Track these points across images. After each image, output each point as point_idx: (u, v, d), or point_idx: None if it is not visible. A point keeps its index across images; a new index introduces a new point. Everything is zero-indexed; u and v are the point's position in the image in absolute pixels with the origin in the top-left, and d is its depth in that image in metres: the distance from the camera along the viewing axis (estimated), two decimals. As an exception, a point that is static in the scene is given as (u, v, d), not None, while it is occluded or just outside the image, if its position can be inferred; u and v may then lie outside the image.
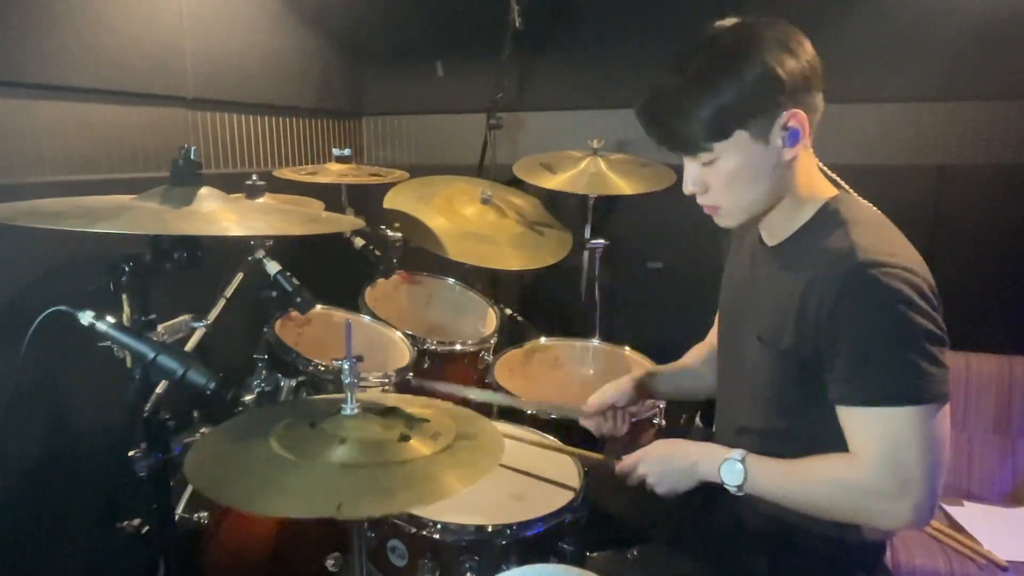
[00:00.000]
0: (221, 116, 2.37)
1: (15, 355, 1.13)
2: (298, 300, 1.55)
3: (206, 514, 1.64)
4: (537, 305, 2.97)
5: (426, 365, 2.09)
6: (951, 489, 2.17)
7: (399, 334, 2.11)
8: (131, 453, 1.21)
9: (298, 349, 1.85)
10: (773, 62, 1.10)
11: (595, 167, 2.52)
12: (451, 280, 2.51)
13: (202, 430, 1.36)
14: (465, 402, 1.61)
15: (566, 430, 1.77)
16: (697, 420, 2.34)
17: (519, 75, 2.95)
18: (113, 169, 1.93)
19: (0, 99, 1.63)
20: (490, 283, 2.70)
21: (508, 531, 1.35)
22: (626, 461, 1.38)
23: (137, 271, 1.20)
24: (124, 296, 1.19)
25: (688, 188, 1.24)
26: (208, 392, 1.09)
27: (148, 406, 1.22)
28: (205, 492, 1.08)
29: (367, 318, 2.16)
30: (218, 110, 2.35)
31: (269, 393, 1.78)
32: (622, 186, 2.45)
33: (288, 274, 1.57)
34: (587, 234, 2.63)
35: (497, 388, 1.98)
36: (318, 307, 2.04)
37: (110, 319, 1.11)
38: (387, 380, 1.87)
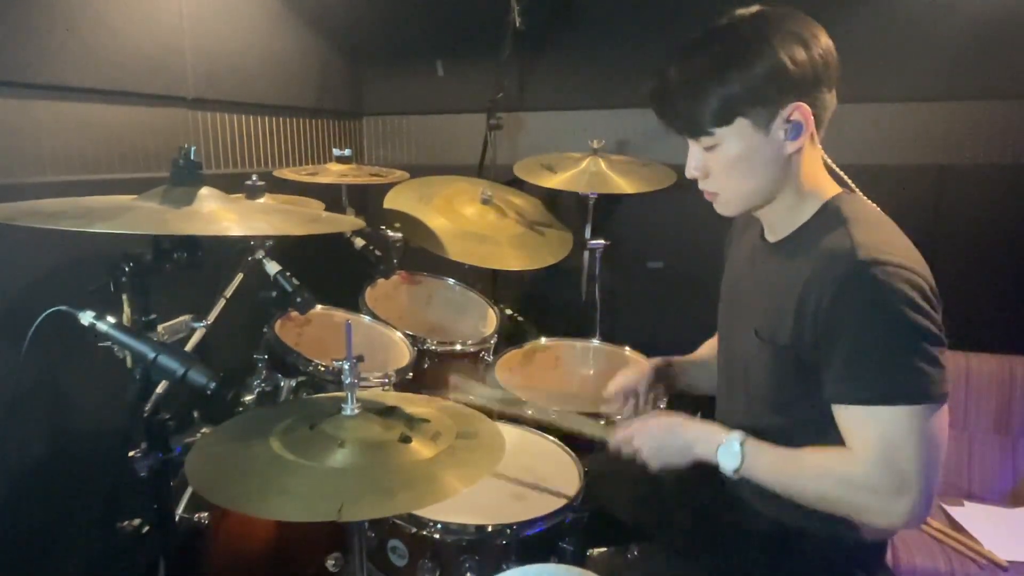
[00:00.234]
0: (221, 116, 2.37)
1: (15, 355, 1.13)
2: (298, 300, 1.55)
3: (206, 514, 1.63)
4: (537, 305, 2.97)
5: (426, 365, 2.09)
6: (951, 489, 2.17)
7: (399, 334, 2.11)
8: (131, 453, 1.21)
9: (298, 349, 1.85)
10: (784, 55, 1.10)
11: (595, 167, 2.52)
12: (451, 280, 2.51)
13: (202, 430, 1.36)
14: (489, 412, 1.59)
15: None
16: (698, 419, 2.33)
17: (519, 75, 2.95)
18: (113, 169, 1.93)
19: (0, 99, 1.63)
20: (490, 283, 2.70)
21: (508, 531, 1.35)
22: (621, 433, 1.35)
23: (137, 271, 1.20)
24: (124, 296, 1.20)
25: (690, 172, 1.25)
26: (208, 392, 1.09)
27: (148, 406, 1.22)
28: (205, 494, 1.08)
29: (367, 318, 2.16)
30: (218, 110, 2.35)
31: (269, 393, 1.79)
32: (622, 186, 2.45)
33: (288, 274, 1.57)
34: (587, 234, 2.63)
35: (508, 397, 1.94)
36: (318, 307, 2.04)
37: (110, 319, 1.11)
38: (387, 380, 1.87)
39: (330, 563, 1.51)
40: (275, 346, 1.85)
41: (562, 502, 1.43)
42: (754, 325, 1.27)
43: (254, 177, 1.85)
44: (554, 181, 2.49)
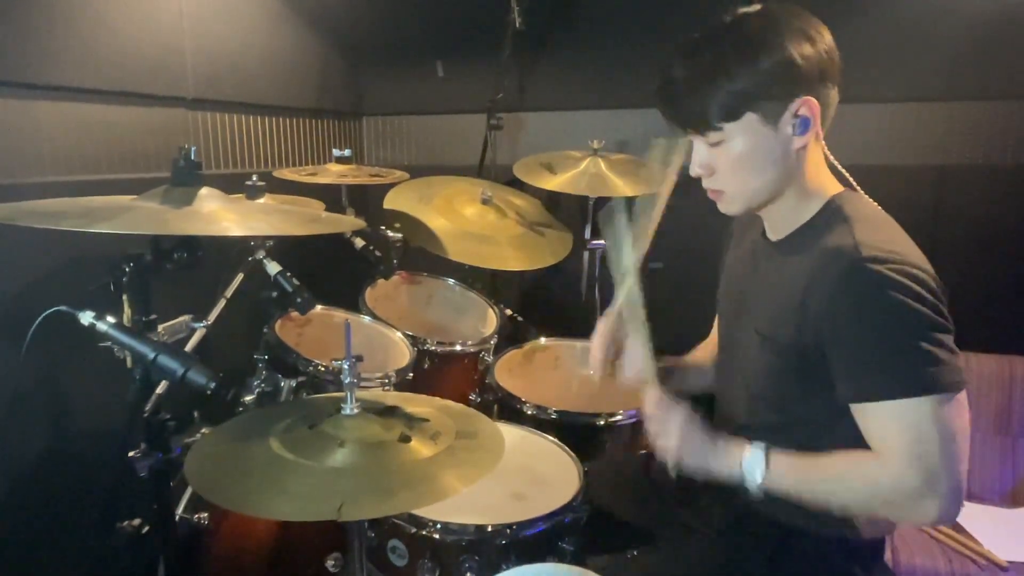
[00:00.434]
0: (221, 116, 2.37)
1: (15, 355, 1.13)
2: (298, 300, 1.55)
3: (206, 514, 1.63)
4: (537, 305, 2.97)
5: (426, 366, 2.09)
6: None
7: (399, 334, 2.11)
8: (131, 453, 1.21)
9: (298, 349, 1.85)
10: (792, 49, 1.11)
11: (595, 167, 2.52)
12: (451, 280, 2.51)
13: (202, 430, 1.36)
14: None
15: (565, 432, 1.77)
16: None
17: (519, 75, 2.95)
18: (113, 169, 1.93)
19: (0, 99, 1.63)
20: (490, 283, 2.70)
21: (508, 531, 1.35)
22: (661, 405, 1.28)
23: (137, 271, 1.20)
24: (125, 296, 1.20)
25: (695, 170, 1.23)
26: (208, 392, 1.09)
27: (148, 406, 1.22)
28: (205, 494, 1.08)
29: (367, 318, 2.16)
30: (218, 110, 2.35)
31: (269, 393, 1.78)
32: (622, 186, 2.45)
33: (288, 274, 1.57)
34: (587, 234, 2.63)
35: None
36: (318, 307, 2.04)
37: (110, 319, 1.11)
38: (387, 380, 1.87)
39: (330, 563, 1.51)
40: (275, 346, 1.85)
41: (562, 502, 1.43)
42: (755, 324, 1.27)
43: (254, 177, 1.85)
44: (554, 182, 2.49)
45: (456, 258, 2.20)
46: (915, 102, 2.52)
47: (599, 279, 2.67)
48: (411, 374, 1.96)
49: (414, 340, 2.09)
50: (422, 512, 1.37)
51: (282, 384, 1.79)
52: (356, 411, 1.23)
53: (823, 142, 1.22)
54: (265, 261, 1.62)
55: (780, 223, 1.27)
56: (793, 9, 1.15)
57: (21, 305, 1.61)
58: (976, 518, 1.98)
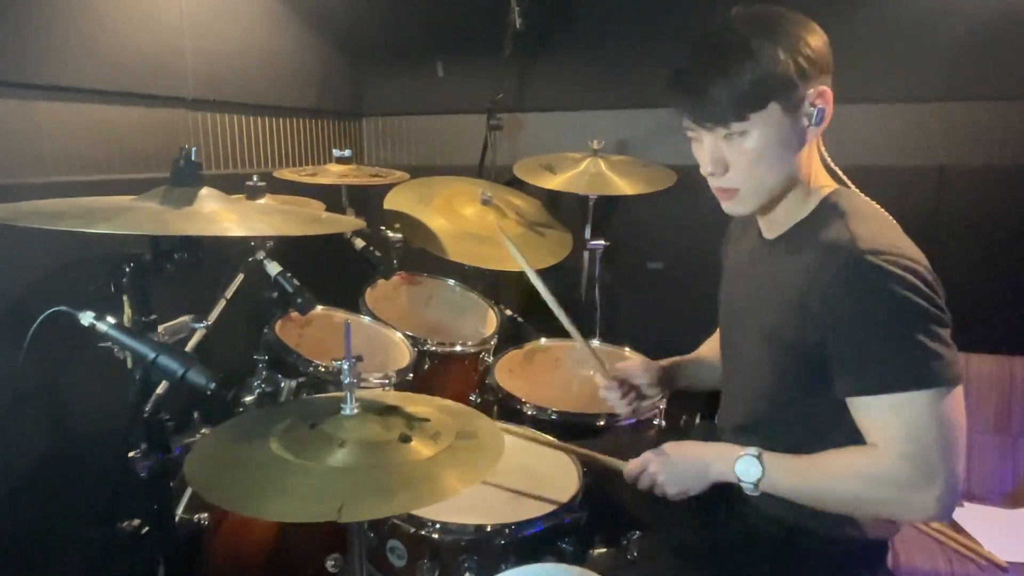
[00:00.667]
0: (221, 116, 2.37)
1: (16, 355, 1.13)
2: (299, 301, 1.55)
3: (206, 515, 1.63)
4: (537, 306, 2.96)
5: (426, 366, 2.09)
6: (951, 489, 2.16)
7: (399, 335, 2.11)
8: (131, 454, 1.21)
9: (299, 350, 1.85)
10: (807, 37, 1.12)
11: (595, 168, 2.52)
12: (451, 281, 2.51)
13: (202, 431, 1.36)
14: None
15: (565, 433, 1.77)
16: (697, 419, 2.34)
17: (519, 75, 2.95)
18: (113, 169, 1.93)
19: (0, 99, 1.63)
20: (490, 284, 2.70)
21: (507, 531, 1.35)
22: (635, 463, 1.36)
23: (138, 272, 1.20)
24: (125, 297, 1.19)
25: (707, 168, 1.21)
26: (208, 393, 1.09)
27: (148, 407, 1.22)
28: (205, 495, 1.08)
29: (367, 319, 2.16)
30: (218, 110, 2.35)
31: (269, 394, 1.78)
32: (622, 186, 2.45)
33: (289, 275, 1.57)
34: (587, 234, 2.63)
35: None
36: (319, 308, 2.04)
37: (110, 319, 1.11)
38: (387, 381, 1.86)
39: (329, 563, 1.51)
40: (275, 347, 1.84)
41: (562, 502, 1.43)
42: (756, 323, 1.27)
43: (255, 178, 1.85)
44: (554, 182, 2.49)
45: (456, 258, 2.20)
46: (915, 102, 2.52)
47: (599, 279, 2.67)
48: (411, 375, 1.96)
49: (414, 341, 2.09)
50: (421, 512, 1.37)
51: (282, 384, 1.79)
52: (356, 411, 1.23)
53: (821, 139, 1.23)
54: (265, 262, 1.62)
55: (777, 221, 1.27)
56: (784, 8, 1.16)
57: (21, 305, 1.61)
58: (976, 519, 1.98)
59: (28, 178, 1.70)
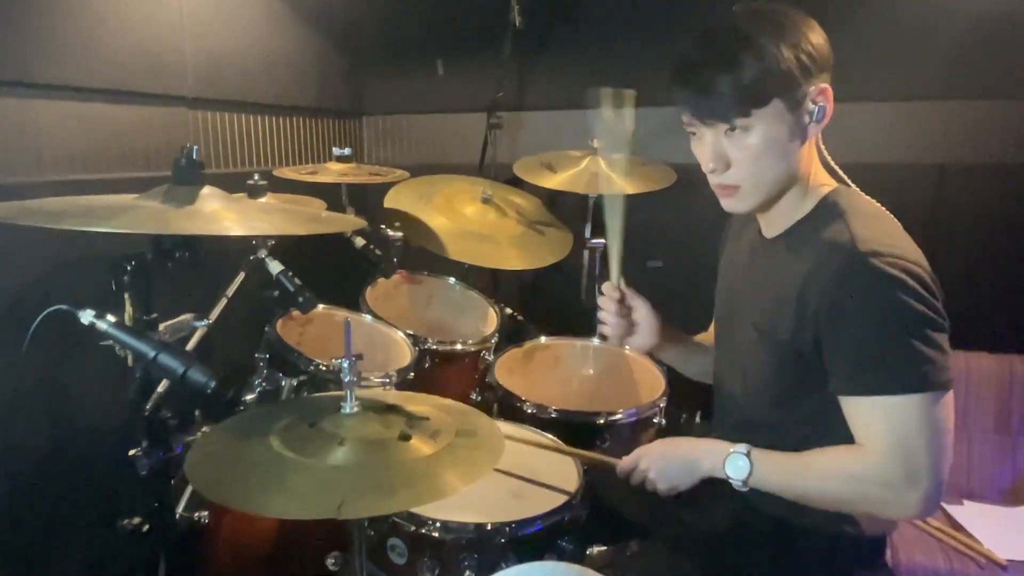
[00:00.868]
0: (221, 116, 2.37)
1: (16, 354, 1.13)
2: (300, 300, 1.55)
3: (207, 513, 1.64)
4: (537, 305, 2.97)
5: (427, 365, 2.09)
6: (951, 488, 2.17)
7: (400, 334, 2.11)
8: (132, 452, 1.22)
9: (300, 349, 1.85)
10: (808, 34, 1.13)
11: (595, 167, 2.52)
12: (451, 280, 2.51)
13: (203, 429, 1.36)
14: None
15: (566, 431, 1.77)
16: (697, 418, 2.34)
17: (519, 74, 2.95)
18: (113, 169, 1.94)
19: (0, 99, 1.63)
20: (490, 282, 2.70)
21: (507, 529, 1.36)
22: (627, 460, 1.38)
23: (139, 270, 1.20)
24: (126, 295, 1.20)
25: (707, 165, 1.21)
26: (208, 391, 1.09)
27: (149, 405, 1.22)
28: (206, 493, 1.08)
29: (368, 318, 2.16)
30: (218, 109, 2.35)
31: (270, 392, 1.79)
32: (622, 186, 2.44)
33: (290, 274, 1.57)
34: (587, 234, 2.63)
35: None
36: (320, 307, 2.04)
37: (110, 318, 1.11)
38: (388, 380, 1.87)
39: (330, 561, 1.51)
40: (276, 345, 1.85)
41: (561, 500, 1.44)
42: (753, 320, 1.27)
43: (256, 176, 1.86)
44: (554, 181, 2.49)
45: (456, 257, 2.20)
46: (915, 102, 2.52)
47: (599, 278, 2.67)
48: (412, 373, 1.96)
49: (415, 339, 2.09)
50: (422, 510, 1.37)
51: (283, 383, 1.80)
52: (356, 409, 1.24)
53: (820, 137, 1.23)
54: (267, 260, 1.62)
55: (776, 219, 1.27)
56: (784, 6, 1.16)
57: (21, 304, 1.61)
58: (976, 517, 1.98)
59: (28, 177, 1.70)
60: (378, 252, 2.11)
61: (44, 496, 1.74)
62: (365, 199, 2.64)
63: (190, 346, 1.72)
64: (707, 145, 1.20)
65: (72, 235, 1.04)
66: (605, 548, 1.44)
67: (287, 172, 2.30)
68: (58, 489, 1.76)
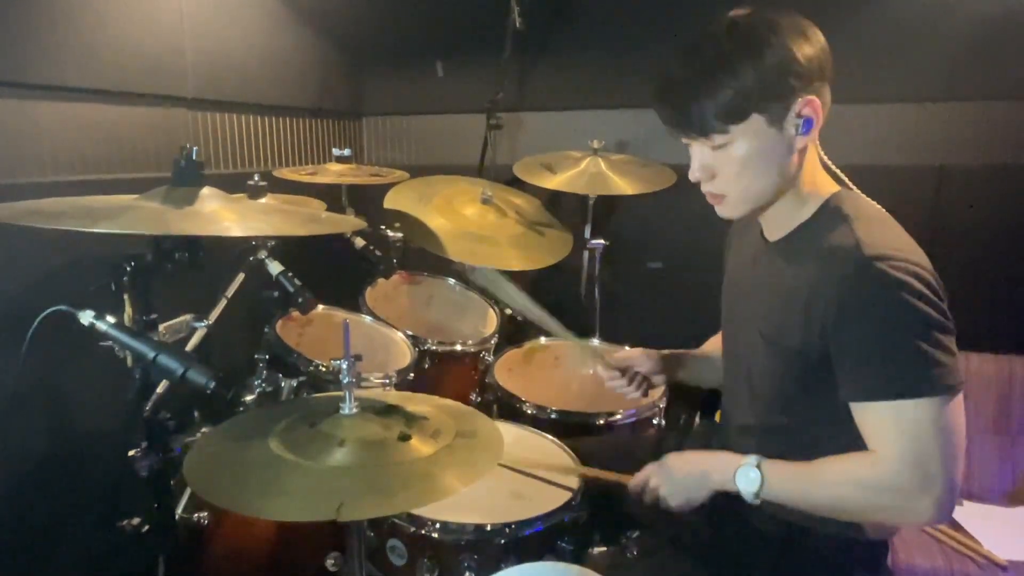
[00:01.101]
0: (221, 116, 2.37)
1: (15, 355, 1.13)
2: (300, 301, 1.55)
3: (206, 514, 1.63)
4: (537, 305, 2.96)
5: (426, 365, 2.09)
6: (951, 489, 2.16)
7: (400, 334, 2.11)
8: (131, 453, 1.22)
9: (299, 349, 1.85)
10: (793, 47, 1.10)
11: (595, 167, 2.52)
12: (451, 280, 2.51)
13: (202, 430, 1.36)
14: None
15: (565, 431, 1.77)
16: (697, 419, 2.34)
17: (519, 75, 2.95)
18: (113, 169, 1.94)
19: (0, 99, 1.63)
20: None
21: (507, 530, 1.36)
22: (637, 478, 1.37)
23: (139, 271, 1.20)
24: (126, 296, 1.20)
25: (695, 175, 1.22)
26: (208, 392, 1.09)
27: (148, 406, 1.22)
28: (204, 495, 1.08)
29: (367, 318, 2.16)
30: (218, 110, 2.35)
31: (270, 393, 1.78)
32: (622, 186, 2.45)
33: (290, 275, 1.57)
34: (587, 234, 2.63)
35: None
36: (319, 307, 2.04)
37: (110, 318, 1.11)
38: (388, 381, 1.87)
39: (329, 563, 1.51)
40: (276, 346, 1.85)
41: (561, 500, 1.43)
42: (758, 326, 1.27)
43: (256, 177, 1.85)
44: (554, 181, 2.49)
45: (456, 258, 2.19)
46: (915, 102, 2.52)
47: (599, 279, 2.67)
48: (412, 374, 1.96)
49: (414, 340, 2.09)
50: (421, 511, 1.37)
51: (283, 384, 1.79)
52: (355, 411, 1.23)
53: (817, 142, 1.23)
54: (267, 261, 1.62)
55: (778, 224, 1.27)
56: (783, 10, 1.15)
57: (21, 304, 1.60)
58: (975, 517, 1.98)
59: (28, 178, 1.70)
60: (378, 253, 2.11)
61: (43, 497, 1.74)
62: (365, 200, 2.64)
63: (190, 347, 1.71)
64: (693, 156, 1.22)
65: (72, 236, 1.04)
66: (605, 549, 1.43)
67: (287, 173, 2.30)
68: (58, 490, 1.76)
